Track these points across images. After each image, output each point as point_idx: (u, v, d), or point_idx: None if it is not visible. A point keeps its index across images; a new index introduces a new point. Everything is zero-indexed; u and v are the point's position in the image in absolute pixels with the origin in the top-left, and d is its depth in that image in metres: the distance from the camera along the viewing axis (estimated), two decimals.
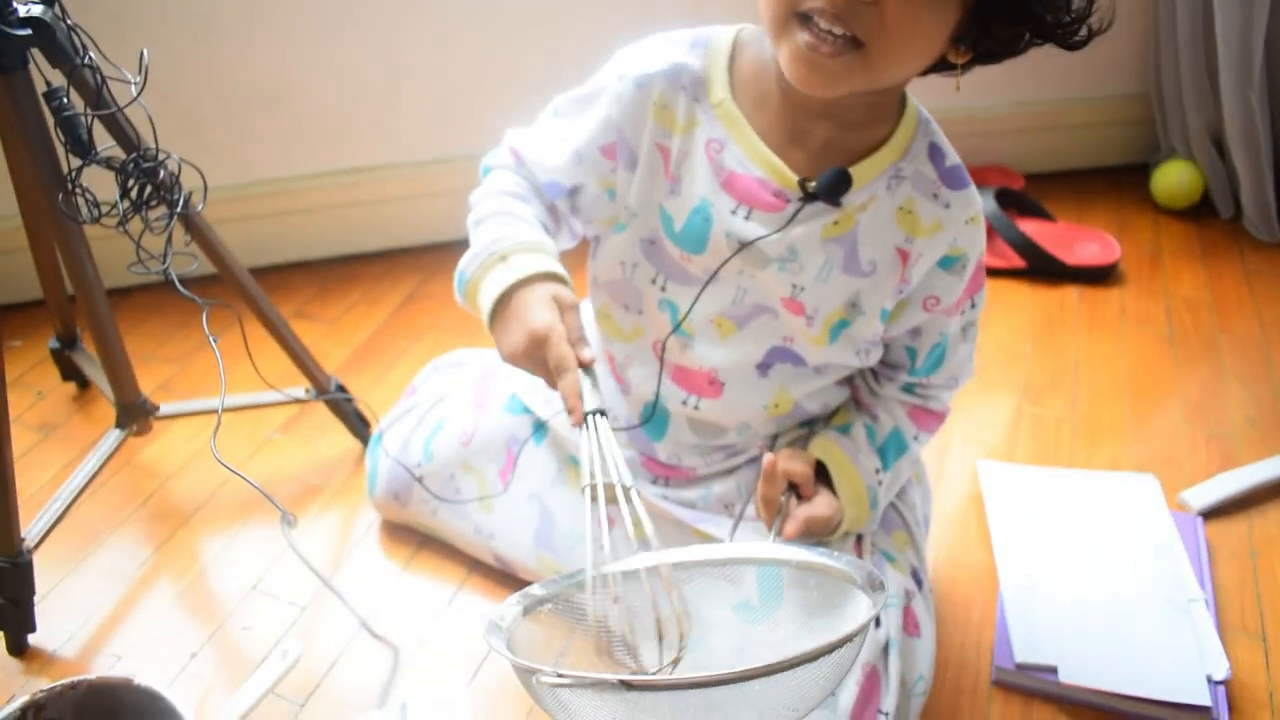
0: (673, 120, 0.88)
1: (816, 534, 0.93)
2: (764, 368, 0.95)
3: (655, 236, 0.93)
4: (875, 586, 0.74)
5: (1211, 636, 1.05)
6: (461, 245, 0.92)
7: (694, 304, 0.92)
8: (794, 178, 0.85)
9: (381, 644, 1.06)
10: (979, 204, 0.89)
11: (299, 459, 1.30)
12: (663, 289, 0.95)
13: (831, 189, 0.84)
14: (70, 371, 1.39)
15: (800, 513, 0.90)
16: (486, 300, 0.87)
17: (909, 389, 0.98)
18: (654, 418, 1.02)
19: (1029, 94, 1.85)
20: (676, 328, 0.94)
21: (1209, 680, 1.01)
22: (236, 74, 1.52)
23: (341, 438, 1.31)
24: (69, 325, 1.32)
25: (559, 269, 0.88)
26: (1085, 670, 1.02)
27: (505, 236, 0.89)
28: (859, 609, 0.75)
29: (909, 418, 0.99)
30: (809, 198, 0.84)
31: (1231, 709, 1.00)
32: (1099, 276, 1.64)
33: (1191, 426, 1.36)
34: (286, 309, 1.56)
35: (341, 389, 1.27)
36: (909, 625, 0.96)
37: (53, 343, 1.34)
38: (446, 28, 1.54)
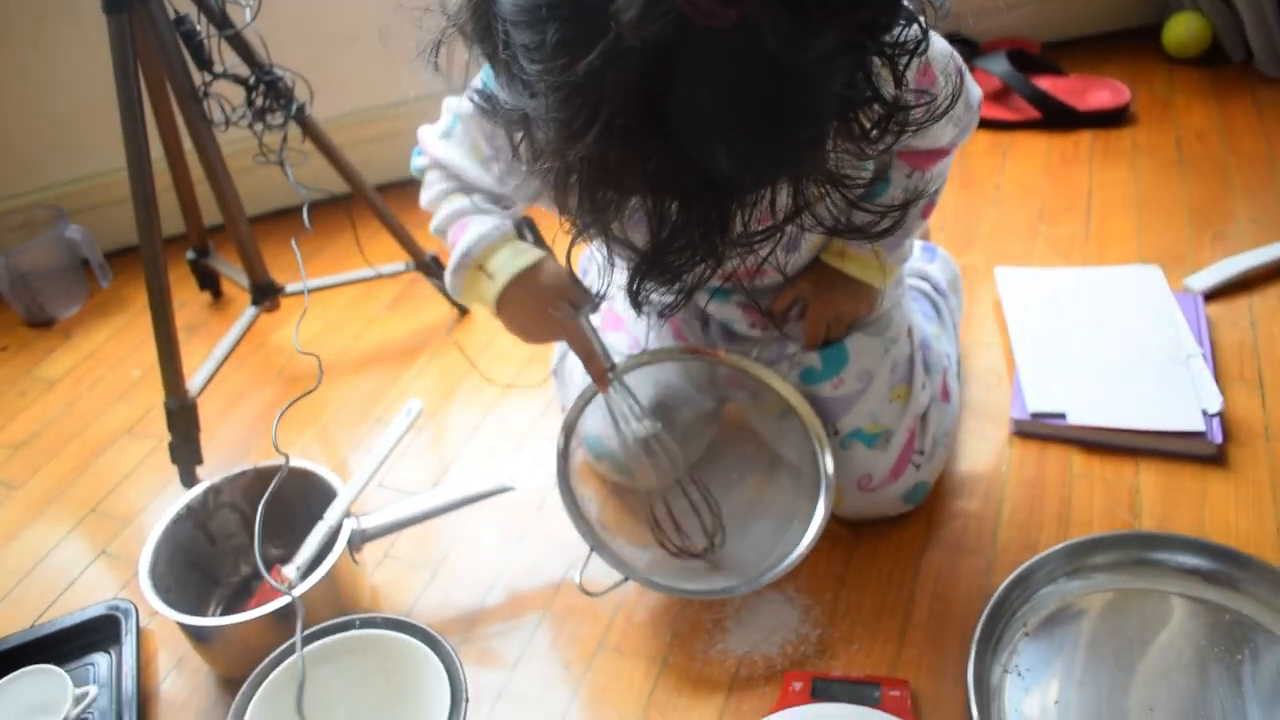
0: None
1: (844, 323, 1.08)
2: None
3: None
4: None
5: (1207, 380, 1.19)
6: None
7: None
8: None
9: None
10: None
11: (407, 327, 1.53)
12: None
13: None
14: (205, 280, 1.62)
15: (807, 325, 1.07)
16: (490, 306, 1.00)
17: None
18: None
19: None
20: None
21: (1204, 413, 1.15)
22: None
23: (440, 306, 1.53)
24: (202, 237, 1.55)
25: (532, 253, 0.99)
26: (1091, 411, 1.17)
27: (472, 246, 1.00)
28: None
29: (898, 158, 1.02)
30: None
31: (1230, 439, 1.14)
32: (1112, 120, 1.76)
33: (1197, 229, 1.48)
34: None
35: (436, 260, 1.48)
36: (943, 394, 1.13)
37: (190, 254, 1.57)
38: None
